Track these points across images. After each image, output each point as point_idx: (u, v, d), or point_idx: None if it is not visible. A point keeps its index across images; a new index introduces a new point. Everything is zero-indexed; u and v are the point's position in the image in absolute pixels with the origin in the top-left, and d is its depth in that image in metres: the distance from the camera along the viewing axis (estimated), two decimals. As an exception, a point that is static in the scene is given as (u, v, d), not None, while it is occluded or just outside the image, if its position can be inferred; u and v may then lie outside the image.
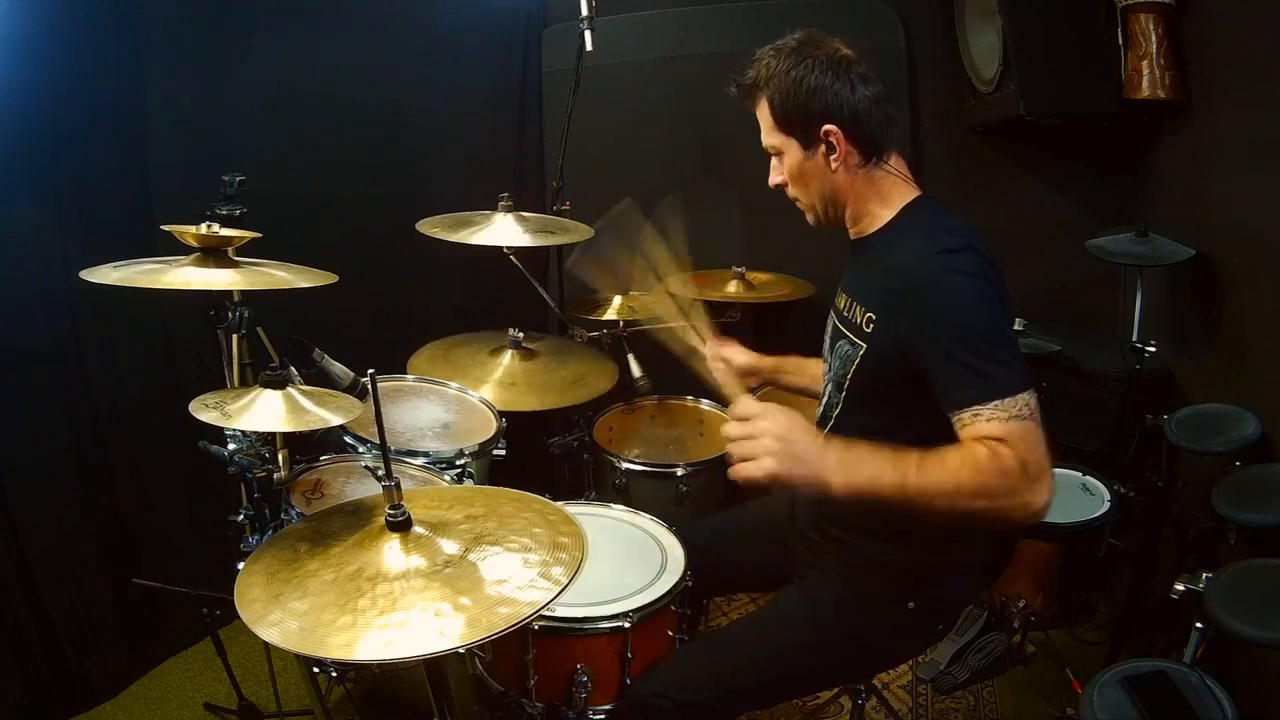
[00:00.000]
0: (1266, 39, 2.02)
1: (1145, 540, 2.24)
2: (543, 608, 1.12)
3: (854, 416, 1.51)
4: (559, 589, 1.15)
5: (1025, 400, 1.25)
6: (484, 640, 1.07)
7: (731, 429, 1.31)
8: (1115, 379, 2.34)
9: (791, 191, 1.53)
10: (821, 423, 1.60)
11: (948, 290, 1.31)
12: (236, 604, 1.13)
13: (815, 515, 1.64)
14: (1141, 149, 2.65)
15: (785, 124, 1.46)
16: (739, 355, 1.84)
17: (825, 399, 1.60)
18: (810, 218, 1.55)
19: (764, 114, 1.48)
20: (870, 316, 1.45)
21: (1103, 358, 2.39)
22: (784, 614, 1.60)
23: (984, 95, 2.65)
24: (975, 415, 1.25)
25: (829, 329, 1.61)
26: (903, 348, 1.37)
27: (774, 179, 1.54)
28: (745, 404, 1.33)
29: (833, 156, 1.44)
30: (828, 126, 1.41)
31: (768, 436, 1.26)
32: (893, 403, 1.44)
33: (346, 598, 1.12)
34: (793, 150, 1.47)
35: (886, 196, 1.48)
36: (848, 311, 1.53)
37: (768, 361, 1.87)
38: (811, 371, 1.84)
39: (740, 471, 1.27)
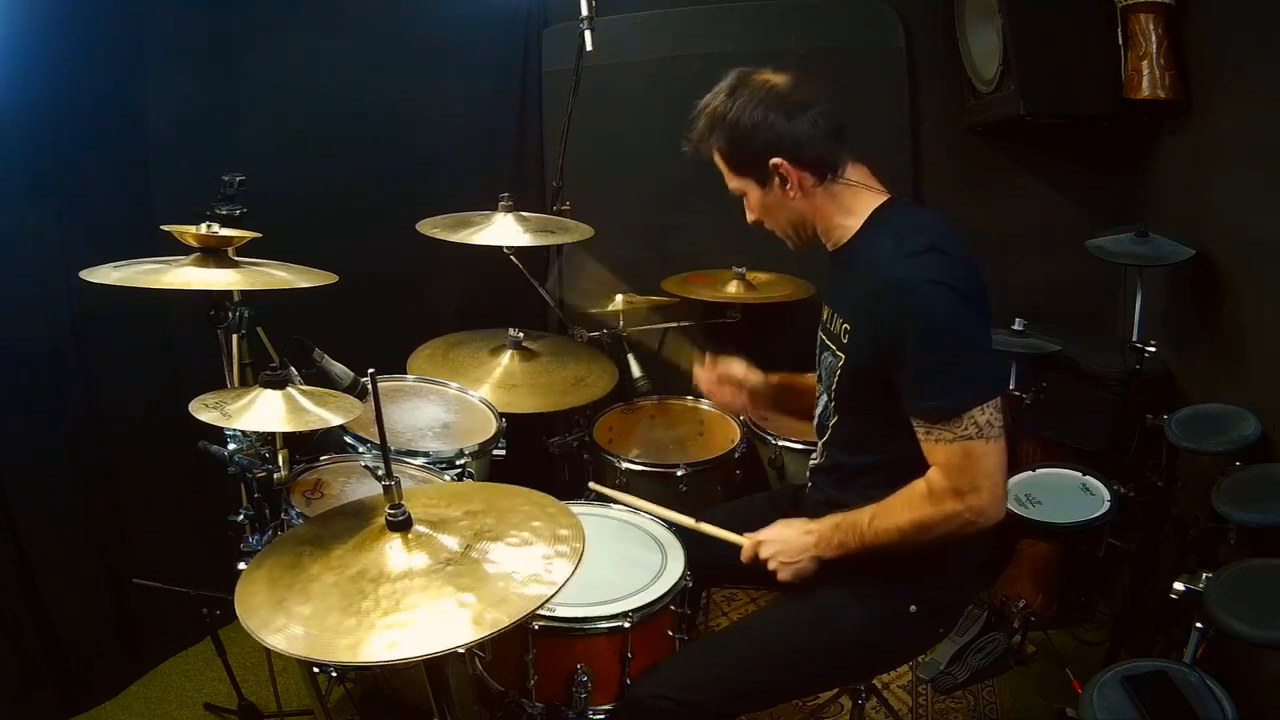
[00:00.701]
0: (1266, 39, 2.02)
1: (1145, 540, 2.24)
2: (549, 598, 1.13)
3: (847, 425, 1.56)
4: (562, 581, 1.16)
5: (974, 416, 1.31)
6: (492, 635, 1.07)
7: (746, 557, 1.59)
8: (1115, 379, 2.34)
9: (767, 225, 1.57)
10: (819, 432, 1.63)
11: (908, 297, 1.33)
12: (239, 612, 1.12)
13: (818, 509, 1.64)
14: (1141, 149, 2.64)
15: (737, 167, 1.50)
16: (741, 371, 1.83)
17: (821, 409, 1.63)
18: (789, 244, 1.59)
19: (720, 162, 1.53)
20: (847, 327, 1.48)
21: (1103, 358, 2.39)
22: (785, 615, 1.60)
23: (984, 95, 2.65)
24: (927, 432, 1.37)
25: (818, 341, 1.64)
26: (875, 355, 1.40)
27: (750, 217, 1.58)
28: (749, 546, 1.59)
29: (787, 186, 1.46)
30: (774, 160, 1.44)
31: (775, 557, 1.54)
32: (878, 412, 1.46)
33: (350, 600, 1.11)
34: (752, 189, 1.51)
35: (851, 207, 1.49)
36: (830, 324, 1.56)
37: (772, 380, 1.85)
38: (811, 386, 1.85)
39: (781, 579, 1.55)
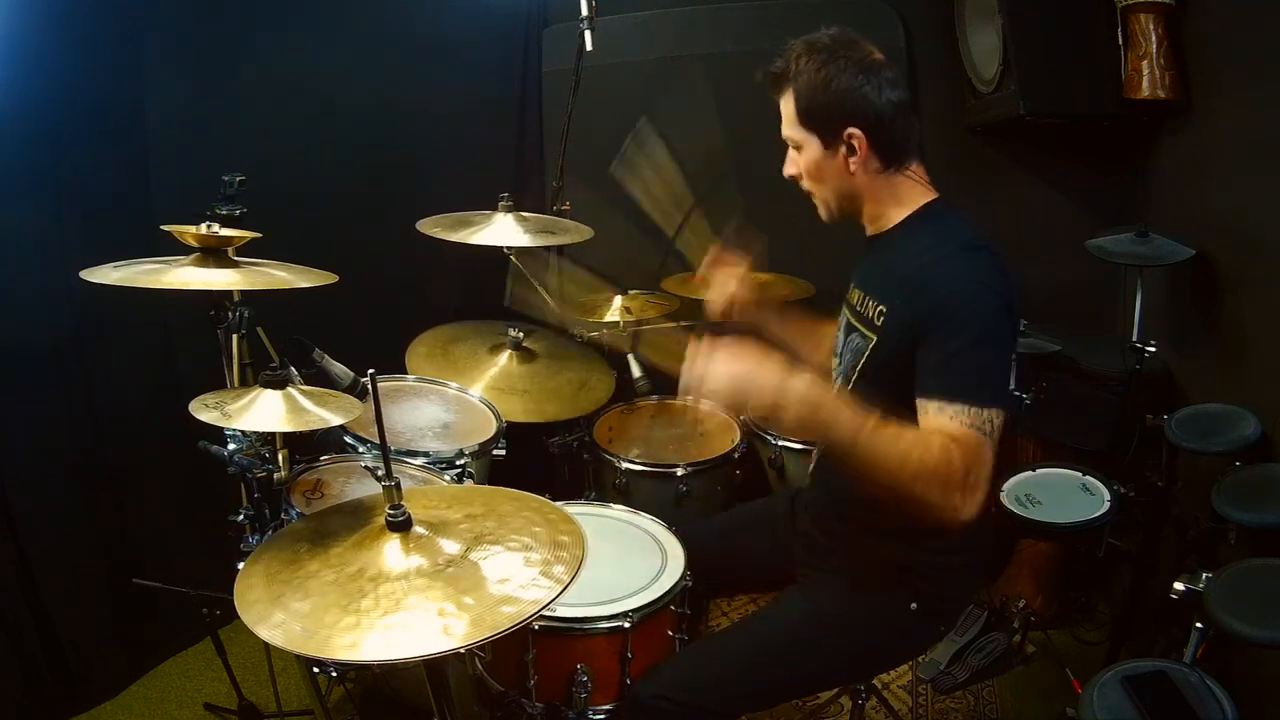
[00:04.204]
0: (1266, 39, 2.02)
1: (1145, 540, 2.24)
2: (545, 605, 1.12)
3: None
4: (561, 587, 1.15)
5: (990, 416, 1.27)
6: (488, 639, 1.07)
7: (693, 350, 1.32)
8: (1115, 379, 2.33)
9: (806, 185, 1.53)
10: None
11: (957, 288, 1.33)
12: (237, 606, 1.12)
13: (819, 508, 1.64)
14: (1141, 149, 2.64)
15: (808, 120, 1.45)
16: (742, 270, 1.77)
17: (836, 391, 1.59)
18: (823, 212, 1.55)
19: (788, 105, 1.47)
20: (881, 310, 1.46)
21: (1103, 358, 2.39)
22: (786, 615, 1.60)
23: (984, 95, 2.65)
24: (940, 409, 1.28)
25: (842, 324, 1.62)
26: (908, 338, 1.38)
27: (789, 170, 1.54)
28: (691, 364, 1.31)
29: (852, 159, 1.44)
30: (851, 129, 1.41)
31: (727, 360, 1.29)
32: (895, 398, 1.43)
33: (349, 598, 1.11)
34: (812, 147, 1.46)
35: (902, 198, 1.49)
36: (860, 305, 1.54)
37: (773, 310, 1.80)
38: (814, 334, 1.81)
39: (691, 383, 1.30)
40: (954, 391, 1.29)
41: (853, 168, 1.44)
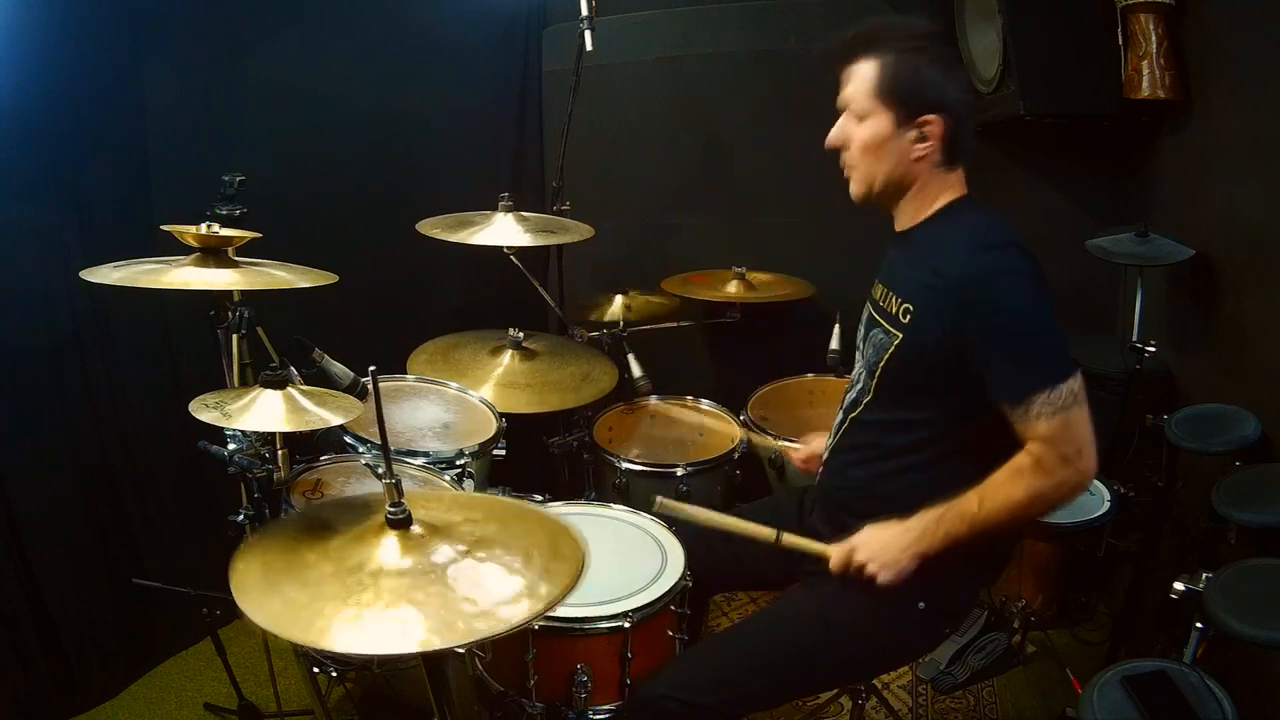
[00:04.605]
0: (1266, 39, 2.02)
1: (1145, 540, 2.24)
2: (543, 611, 1.12)
3: (882, 405, 1.52)
4: (560, 593, 1.15)
5: (1068, 387, 1.33)
6: (487, 638, 1.07)
7: (837, 566, 1.48)
8: (1115, 379, 2.34)
9: (852, 158, 1.49)
10: (850, 409, 1.60)
11: (998, 286, 1.35)
12: (234, 593, 1.12)
13: (829, 505, 1.64)
14: (1141, 149, 2.64)
15: (887, 95, 1.42)
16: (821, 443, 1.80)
17: (857, 386, 1.60)
18: (859, 188, 1.51)
19: (863, 74, 1.44)
20: (908, 308, 1.45)
21: (1103, 358, 2.39)
22: (794, 613, 1.60)
23: (984, 95, 2.65)
24: (1026, 410, 1.34)
25: (864, 318, 1.62)
26: (943, 340, 1.39)
27: (835, 138, 1.50)
28: (839, 554, 1.48)
29: (920, 145, 1.43)
30: (931, 116, 1.41)
31: (874, 559, 1.45)
32: (921, 394, 1.45)
33: (348, 591, 1.11)
34: (882, 122, 1.44)
35: (938, 195, 1.49)
36: (884, 301, 1.54)
37: None
38: None
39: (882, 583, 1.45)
40: (1029, 387, 1.33)
41: (917, 153, 1.44)
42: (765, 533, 1.57)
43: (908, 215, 1.52)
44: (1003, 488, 1.39)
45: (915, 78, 1.40)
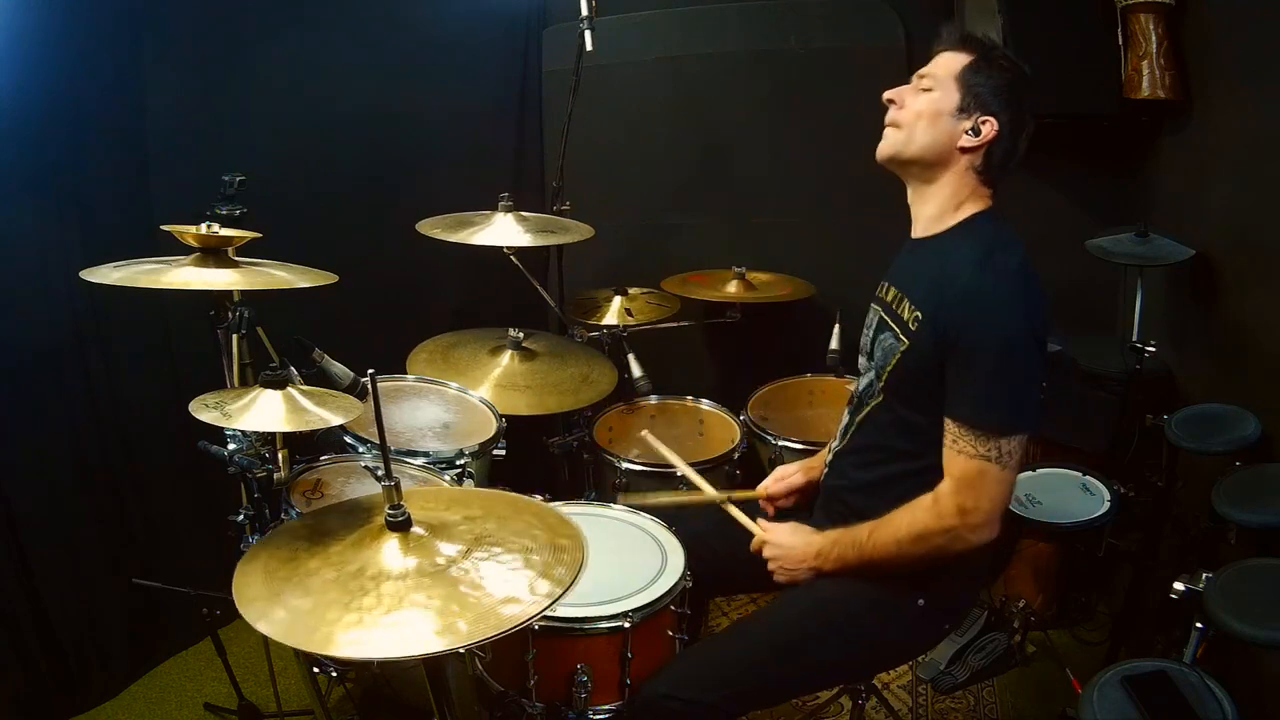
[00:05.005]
0: (1266, 39, 2.02)
1: (1145, 540, 2.24)
2: (545, 609, 1.12)
3: (890, 408, 1.53)
4: (561, 590, 1.15)
5: (1004, 444, 1.36)
6: (486, 640, 1.07)
7: (754, 549, 1.65)
8: (1115, 379, 2.34)
9: (902, 116, 1.52)
10: (857, 409, 1.61)
11: (987, 307, 1.38)
12: (236, 602, 1.12)
13: (831, 501, 1.64)
14: (1141, 149, 2.64)
15: (965, 82, 1.48)
16: (795, 477, 1.81)
17: (864, 387, 1.61)
18: (890, 147, 1.53)
19: (953, 60, 1.50)
20: (918, 316, 1.47)
21: (1103, 358, 2.39)
22: (796, 612, 1.60)
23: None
24: (954, 439, 1.40)
25: (874, 320, 1.62)
26: (940, 348, 1.41)
27: (895, 92, 1.54)
28: (758, 539, 1.64)
29: (969, 138, 1.47)
30: (990, 118, 1.45)
31: (776, 560, 1.61)
32: (928, 399, 1.46)
33: (350, 596, 1.11)
34: (949, 100, 1.48)
35: (963, 206, 1.51)
36: (895, 305, 1.55)
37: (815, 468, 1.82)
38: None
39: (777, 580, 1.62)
40: (966, 421, 1.38)
41: (964, 143, 1.47)
42: (715, 495, 1.75)
43: (929, 217, 1.53)
44: (895, 519, 1.46)
45: (995, 82, 1.46)
